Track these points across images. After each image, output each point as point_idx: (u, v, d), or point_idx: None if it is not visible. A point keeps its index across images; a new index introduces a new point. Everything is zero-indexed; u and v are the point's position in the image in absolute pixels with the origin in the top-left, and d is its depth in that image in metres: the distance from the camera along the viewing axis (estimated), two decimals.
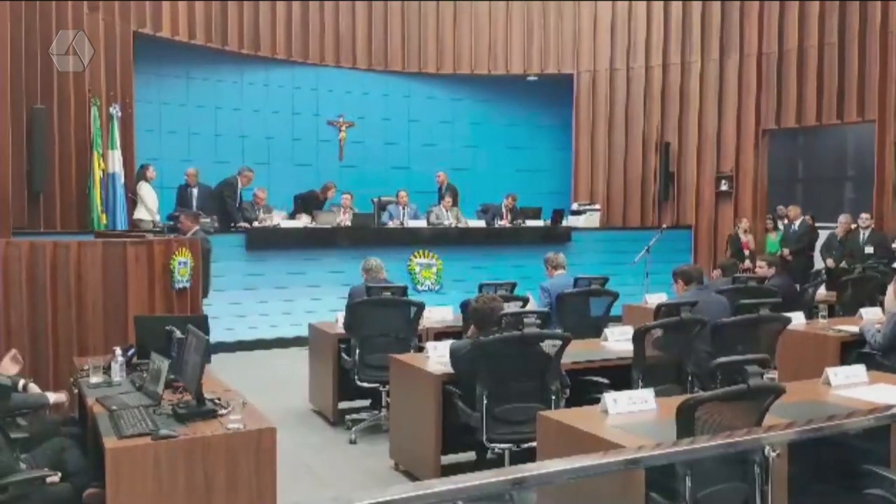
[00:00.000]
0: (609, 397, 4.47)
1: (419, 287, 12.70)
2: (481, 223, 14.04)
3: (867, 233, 12.46)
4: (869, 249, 12.21)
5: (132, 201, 12.27)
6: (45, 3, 11.38)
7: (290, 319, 11.66)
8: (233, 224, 12.07)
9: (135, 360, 5.62)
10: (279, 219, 12.49)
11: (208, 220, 11.13)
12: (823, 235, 13.70)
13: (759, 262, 10.00)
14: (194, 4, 13.65)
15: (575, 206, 15.44)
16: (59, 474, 4.36)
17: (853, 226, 13.10)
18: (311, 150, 15.65)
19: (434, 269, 13.04)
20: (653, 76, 16.01)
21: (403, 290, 7.57)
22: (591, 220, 15.04)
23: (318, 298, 11.84)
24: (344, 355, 7.51)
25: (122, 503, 3.94)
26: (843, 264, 12.17)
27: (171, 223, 11.29)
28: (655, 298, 9.26)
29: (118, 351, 5.44)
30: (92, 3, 12.00)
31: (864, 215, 12.63)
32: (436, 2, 16.32)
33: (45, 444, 4.59)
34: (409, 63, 16.29)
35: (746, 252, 13.75)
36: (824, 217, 15.01)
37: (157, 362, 4.91)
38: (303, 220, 12.72)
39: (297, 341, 11.06)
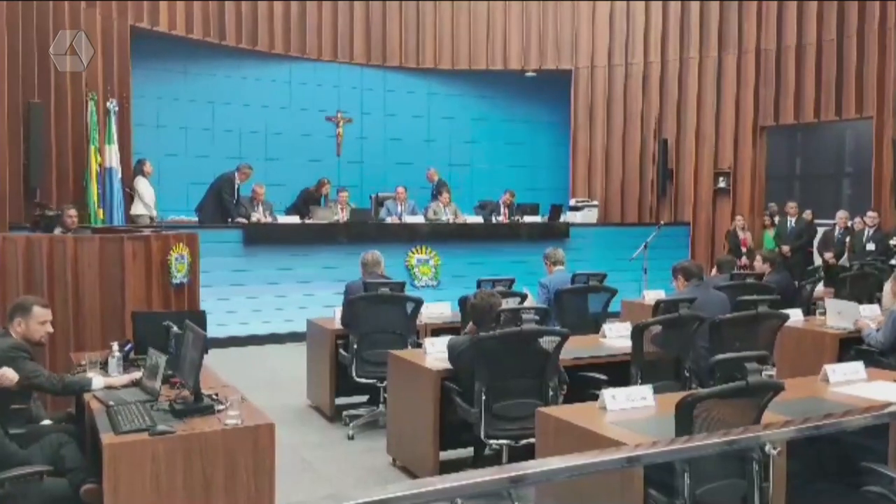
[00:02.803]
0: (608, 394, 4.46)
1: (417, 283, 12.69)
2: (479, 219, 14.02)
3: (872, 230, 12.43)
4: (871, 247, 12.20)
5: (129, 196, 12.24)
6: None
7: (287, 315, 11.64)
8: (230, 220, 12.04)
9: (132, 355, 5.61)
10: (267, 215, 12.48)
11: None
12: (821, 232, 13.71)
13: (756, 259, 10.01)
14: None
15: (573, 203, 15.45)
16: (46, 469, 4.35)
17: (850, 223, 13.10)
18: (309, 145, 15.60)
19: (432, 266, 13.03)
20: (651, 72, 16.01)
21: (402, 286, 7.55)
22: (589, 216, 15.06)
23: (310, 294, 11.85)
24: (342, 351, 7.50)
25: (119, 499, 3.93)
26: (845, 261, 12.17)
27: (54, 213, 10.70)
28: (654, 295, 9.28)
29: (115, 346, 5.43)
30: None
31: (870, 213, 12.58)
32: None
33: (42, 441, 4.58)
34: (407, 59, 16.28)
35: (744, 249, 13.77)
36: (822, 213, 15.02)
37: (154, 358, 4.90)
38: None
39: (292, 337, 11.07)
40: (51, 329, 5.19)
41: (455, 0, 16.40)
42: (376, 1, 15.85)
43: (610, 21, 16.27)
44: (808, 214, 14.24)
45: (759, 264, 9.56)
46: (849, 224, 13.13)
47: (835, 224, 13.33)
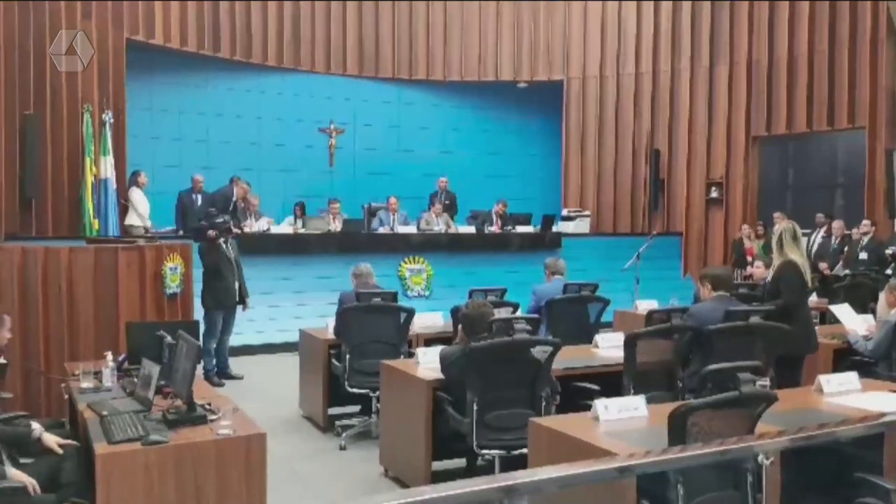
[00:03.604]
0: (600, 404, 4.45)
1: (409, 293, 12.69)
2: (471, 229, 14.02)
3: (866, 239, 12.40)
4: (863, 256, 12.16)
5: (124, 207, 12.24)
6: (39, 10, 11.38)
7: (278, 325, 11.61)
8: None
9: (126, 365, 5.61)
10: (266, 223, 12.45)
11: None
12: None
13: (756, 264, 9.97)
14: (187, 12, 13.65)
15: (565, 213, 15.46)
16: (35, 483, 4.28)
17: (847, 232, 13.06)
18: (302, 156, 15.61)
19: (424, 276, 13.03)
20: (643, 83, 16.04)
21: (394, 296, 7.55)
22: (581, 226, 15.06)
23: (302, 304, 11.84)
24: (334, 361, 7.49)
25: None
26: (839, 270, 12.16)
27: None
28: (646, 305, 9.26)
29: (109, 356, 5.42)
30: (85, 11, 11.99)
31: (864, 223, 12.54)
32: (426, 10, 16.34)
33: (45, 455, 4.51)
34: (400, 70, 16.30)
35: (750, 258, 13.65)
36: (813, 224, 15.01)
37: (147, 368, 4.90)
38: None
39: (284, 347, 11.05)
40: (8, 335, 5.17)
41: (447, 12, 16.45)
42: (369, 13, 15.88)
43: (601, 32, 16.31)
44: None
45: (758, 271, 9.52)
46: (845, 233, 13.08)
47: (831, 233, 13.28)
